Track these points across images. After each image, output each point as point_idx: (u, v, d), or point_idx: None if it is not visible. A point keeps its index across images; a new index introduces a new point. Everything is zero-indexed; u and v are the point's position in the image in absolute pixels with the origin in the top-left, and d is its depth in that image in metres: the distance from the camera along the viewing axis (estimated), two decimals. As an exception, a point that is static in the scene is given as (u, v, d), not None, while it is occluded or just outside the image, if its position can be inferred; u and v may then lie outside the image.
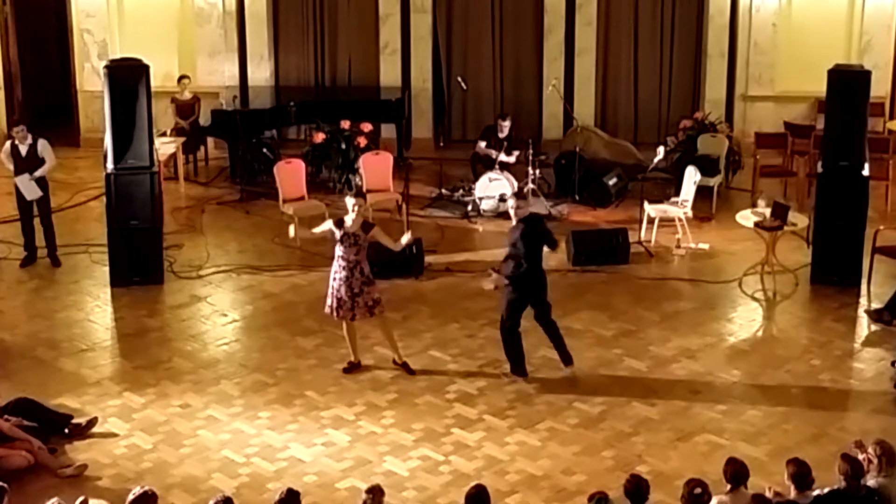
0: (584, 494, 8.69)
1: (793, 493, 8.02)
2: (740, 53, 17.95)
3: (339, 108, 17.21)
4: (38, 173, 13.57)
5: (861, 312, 12.62)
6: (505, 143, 15.89)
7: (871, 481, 8.10)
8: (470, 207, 15.62)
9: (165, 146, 16.22)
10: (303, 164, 15.44)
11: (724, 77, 18.09)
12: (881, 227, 13.59)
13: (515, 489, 9.35)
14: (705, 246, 14.47)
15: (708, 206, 15.51)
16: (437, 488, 9.38)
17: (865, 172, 13.11)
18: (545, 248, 11.12)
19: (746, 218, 13.45)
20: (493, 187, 15.39)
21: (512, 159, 15.85)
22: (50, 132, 14.91)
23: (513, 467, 9.67)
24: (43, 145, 13.66)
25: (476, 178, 15.74)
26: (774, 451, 9.78)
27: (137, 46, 16.16)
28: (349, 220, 10.90)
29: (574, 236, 14.04)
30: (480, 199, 15.51)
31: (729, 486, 8.04)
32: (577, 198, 15.99)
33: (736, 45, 17.96)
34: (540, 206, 15.38)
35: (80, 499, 8.14)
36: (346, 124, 16.35)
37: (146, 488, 7.91)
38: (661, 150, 15.27)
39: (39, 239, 13.89)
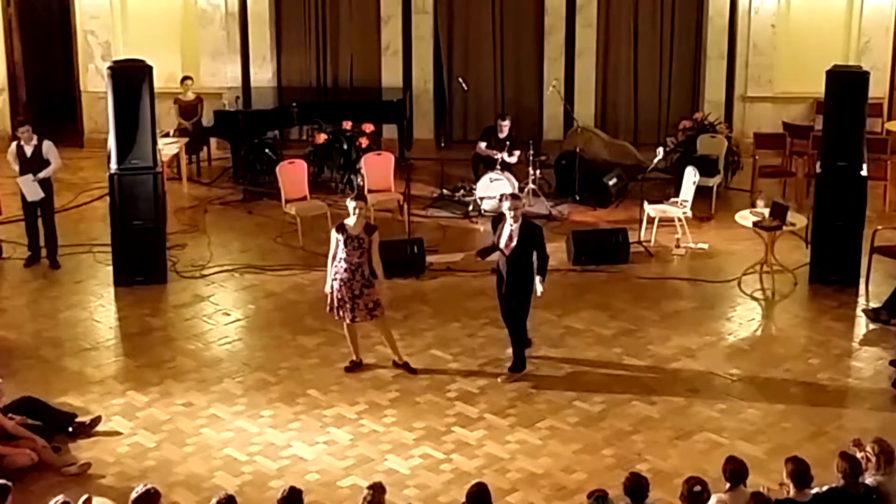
0: (584, 492, 8.71)
1: (792, 492, 8.06)
2: (739, 55, 17.99)
3: (340, 108, 17.27)
4: (41, 175, 13.62)
5: (859, 312, 12.66)
6: (506, 144, 15.95)
7: (869, 479, 8.13)
8: (471, 207, 15.67)
9: (168, 147, 16.28)
10: (305, 165, 15.49)
11: (723, 78, 18.13)
12: (879, 227, 13.64)
13: (516, 487, 9.40)
14: (705, 246, 14.52)
15: (707, 206, 15.55)
16: (438, 486, 9.43)
17: (864, 173, 13.15)
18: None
19: (745, 218, 13.49)
20: (494, 187, 15.43)
21: (513, 159, 15.90)
22: (53, 133, 14.96)
23: (513, 465, 9.72)
24: (48, 147, 13.71)
25: (477, 179, 15.79)
26: (773, 449, 9.82)
27: (141, 47, 16.25)
28: (350, 222, 10.94)
29: (574, 236, 14.09)
30: (481, 199, 15.56)
31: (728, 485, 8.08)
32: (577, 198, 16.04)
33: (735, 47, 18.00)
34: (540, 207, 15.46)
35: (84, 497, 8.17)
36: (347, 125, 16.41)
37: (149, 486, 7.93)
38: (660, 150, 15.31)
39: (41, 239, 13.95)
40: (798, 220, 13.45)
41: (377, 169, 15.56)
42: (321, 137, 16.39)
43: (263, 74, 18.59)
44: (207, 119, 17.61)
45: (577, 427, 10.33)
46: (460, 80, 17.69)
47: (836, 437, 10.00)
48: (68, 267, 13.91)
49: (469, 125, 18.84)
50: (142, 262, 13.31)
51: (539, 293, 10.96)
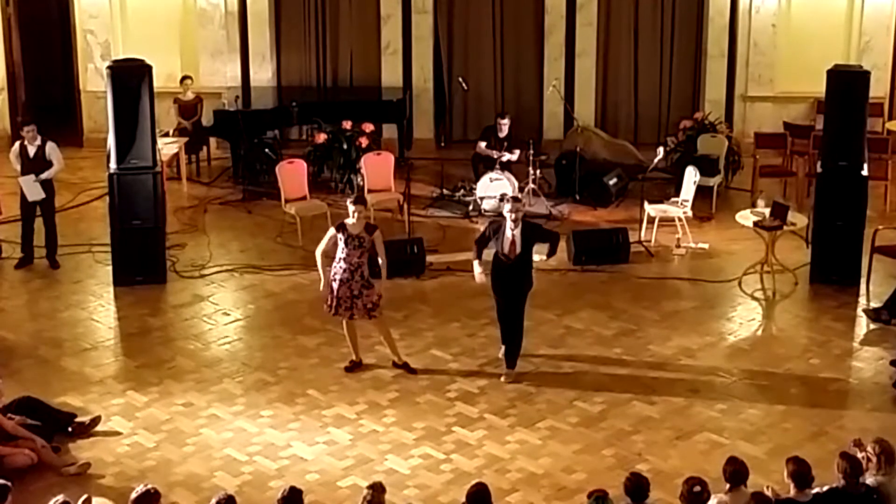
0: (584, 493, 8.70)
1: (792, 492, 8.05)
2: (740, 54, 18.00)
3: (340, 108, 17.28)
4: (43, 176, 13.61)
5: (860, 311, 12.65)
6: (505, 143, 15.95)
7: (869, 479, 8.13)
8: (471, 207, 15.67)
9: (168, 146, 16.27)
10: (305, 164, 15.48)
11: (723, 77, 18.14)
12: (880, 227, 13.63)
13: (516, 487, 9.40)
14: (705, 245, 14.51)
15: (708, 206, 15.55)
16: (438, 486, 9.42)
17: (864, 172, 13.15)
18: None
19: (746, 218, 13.49)
20: (494, 187, 15.43)
21: (514, 157, 15.90)
22: (53, 132, 14.93)
23: (513, 465, 9.71)
24: (51, 148, 13.70)
25: (477, 178, 15.79)
26: (774, 449, 9.82)
27: (140, 47, 16.25)
28: (350, 222, 10.93)
29: (574, 236, 14.08)
30: (481, 198, 15.55)
31: (728, 486, 8.07)
32: (577, 198, 16.04)
33: (736, 46, 18.01)
34: (540, 206, 15.45)
35: (84, 497, 8.16)
36: (347, 124, 16.40)
37: (149, 486, 7.93)
38: (661, 150, 15.32)
39: (40, 240, 13.92)
40: (799, 219, 13.45)
41: (377, 169, 15.55)
42: (321, 137, 16.39)
43: (263, 74, 18.58)
44: (207, 119, 17.61)
45: (577, 427, 10.32)
46: (460, 79, 17.70)
47: (836, 437, 9.99)
48: (68, 267, 13.91)
49: (469, 125, 18.84)
50: (141, 262, 13.30)
51: (536, 259, 11.06)
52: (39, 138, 13.66)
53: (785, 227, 13.18)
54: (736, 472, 8.08)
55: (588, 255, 13.92)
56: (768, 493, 8.10)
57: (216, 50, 18.45)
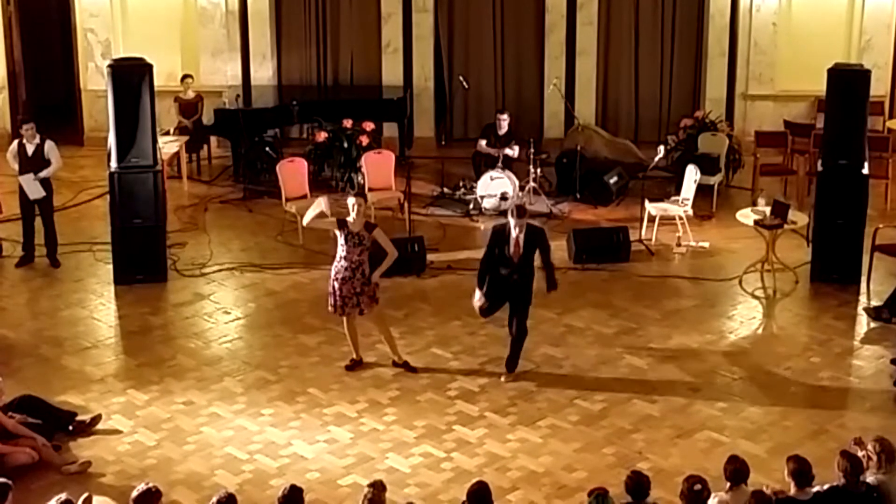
0: (584, 491, 8.70)
1: (793, 490, 8.05)
2: (741, 53, 18.00)
3: (341, 106, 17.29)
4: (42, 174, 13.60)
5: (861, 310, 12.66)
6: (504, 140, 15.95)
7: (870, 478, 8.13)
8: (472, 206, 15.67)
9: (169, 145, 16.27)
10: (305, 163, 15.49)
11: (724, 76, 18.14)
12: (881, 226, 13.64)
13: (517, 486, 9.40)
14: (706, 244, 14.51)
15: (708, 205, 15.55)
16: (438, 485, 9.43)
17: (865, 171, 13.15)
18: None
19: (746, 216, 13.49)
20: (494, 186, 15.44)
21: (514, 152, 15.90)
22: (53, 131, 14.93)
23: (514, 464, 9.71)
24: (50, 147, 13.69)
25: (477, 177, 15.79)
26: (774, 448, 9.82)
27: (141, 46, 16.26)
28: (350, 219, 10.93)
29: (575, 234, 14.09)
30: (482, 197, 15.56)
31: (729, 485, 8.08)
32: (578, 196, 16.05)
33: (736, 45, 18.01)
34: (541, 205, 15.45)
35: (84, 495, 8.16)
36: (348, 123, 16.40)
37: (150, 485, 7.92)
38: (661, 148, 15.33)
39: (41, 238, 13.92)
40: (799, 218, 13.45)
41: (378, 167, 15.55)
42: (321, 136, 16.39)
43: (264, 73, 18.59)
44: (207, 117, 17.61)
45: (577, 425, 10.32)
46: (461, 78, 17.71)
47: (837, 435, 9.99)
48: (68, 265, 13.91)
49: (470, 123, 18.85)
50: (142, 261, 13.31)
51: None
52: (38, 137, 13.65)
53: (785, 226, 13.19)
54: (737, 470, 8.08)
55: (589, 254, 13.92)
56: (769, 491, 8.11)
57: (217, 48, 18.46)
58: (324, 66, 18.93)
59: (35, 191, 13.61)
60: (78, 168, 17.27)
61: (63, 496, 7.88)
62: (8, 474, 8.73)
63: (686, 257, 14.26)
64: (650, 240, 14.51)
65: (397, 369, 11.29)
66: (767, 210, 13.31)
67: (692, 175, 14.79)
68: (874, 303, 12.69)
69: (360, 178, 15.99)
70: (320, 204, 11.01)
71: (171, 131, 17.24)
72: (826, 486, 8.05)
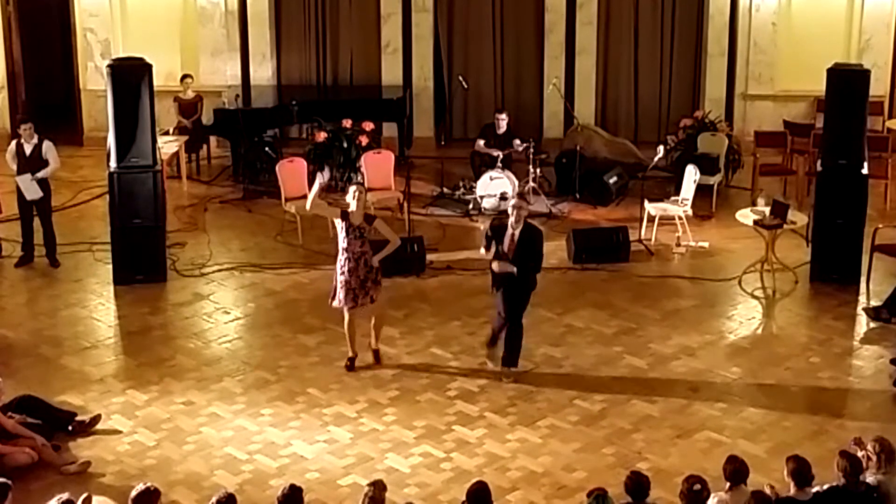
0: (584, 491, 8.70)
1: (792, 490, 8.05)
2: (740, 52, 17.99)
3: (340, 106, 17.29)
4: (39, 175, 13.59)
5: (860, 310, 12.66)
6: (503, 140, 15.96)
7: (870, 478, 8.13)
8: (471, 206, 15.67)
9: (168, 145, 16.27)
10: (305, 163, 15.48)
11: (723, 76, 18.13)
12: (880, 226, 13.64)
13: (516, 486, 9.40)
14: (705, 244, 14.51)
15: (708, 205, 15.55)
16: (438, 485, 9.43)
17: (864, 171, 13.15)
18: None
19: (746, 216, 13.49)
20: (494, 186, 15.44)
21: (519, 147, 15.89)
22: (53, 131, 14.95)
23: (514, 464, 9.71)
24: (48, 147, 13.69)
25: (477, 177, 15.79)
26: (774, 448, 9.82)
27: (140, 45, 16.25)
28: (352, 209, 10.91)
29: (575, 234, 14.09)
30: (481, 197, 15.56)
31: (728, 485, 8.08)
32: (577, 196, 16.05)
33: (736, 45, 18.01)
34: (541, 205, 15.45)
35: (84, 495, 8.16)
36: (347, 123, 16.40)
37: (149, 485, 7.92)
38: (661, 148, 15.33)
39: (40, 238, 13.91)
40: (799, 218, 13.45)
41: (377, 167, 15.55)
42: (321, 136, 16.38)
43: (263, 73, 18.58)
44: (207, 117, 17.61)
45: (577, 426, 10.32)
46: (460, 78, 17.70)
47: (836, 435, 9.99)
48: (68, 265, 13.91)
49: (469, 123, 18.84)
50: (141, 261, 13.31)
51: (496, 269, 10.82)
52: (36, 137, 13.65)
53: (785, 226, 13.19)
54: (736, 471, 8.08)
55: (588, 254, 13.92)
56: (768, 491, 8.11)
57: (216, 48, 18.45)
58: (323, 65, 18.92)
59: (32, 191, 13.60)
60: (77, 168, 17.26)
61: (65, 496, 7.88)
62: (7, 474, 8.72)
63: (686, 257, 14.26)
64: (650, 240, 14.51)
65: (397, 369, 11.30)
66: (767, 210, 13.32)
67: (692, 175, 14.79)
68: (874, 303, 12.69)
69: (359, 178, 15.98)
70: (319, 178, 11.07)
71: (171, 131, 17.23)
72: (826, 487, 8.05)
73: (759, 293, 13.18)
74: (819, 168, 13.45)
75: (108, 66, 13.33)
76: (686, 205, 14.64)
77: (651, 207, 14.63)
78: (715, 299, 13.07)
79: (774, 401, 10.75)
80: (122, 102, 13.00)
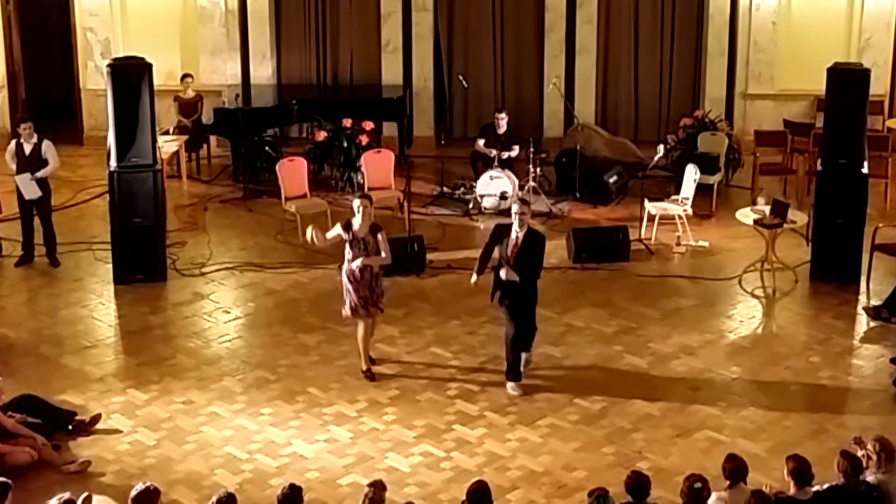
0: (584, 490, 8.72)
1: (792, 490, 8.05)
2: (740, 52, 17.99)
3: (340, 106, 17.29)
4: (39, 174, 13.59)
5: (860, 309, 12.66)
6: (503, 140, 15.96)
7: (870, 477, 8.13)
8: (471, 205, 15.67)
9: (168, 144, 16.27)
10: (305, 162, 15.49)
11: (723, 75, 18.13)
12: (880, 225, 13.64)
13: (516, 485, 9.40)
14: (705, 243, 14.51)
15: (708, 204, 15.55)
16: (438, 484, 9.43)
17: (864, 170, 13.15)
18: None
19: (746, 215, 13.50)
20: (494, 185, 15.44)
21: (514, 153, 15.90)
22: (53, 130, 14.95)
23: (514, 463, 9.71)
24: (47, 146, 13.69)
25: (477, 176, 15.79)
26: (774, 447, 9.82)
27: (140, 45, 16.24)
28: (356, 222, 10.88)
29: (575, 234, 14.09)
30: (481, 196, 15.56)
31: (728, 483, 8.08)
32: (577, 195, 16.05)
33: (736, 44, 18.00)
34: (541, 204, 15.45)
35: (84, 495, 8.15)
36: (347, 122, 16.41)
37: (149, 484, 7.92)
38: (661, 148, 15.33)
39: (40, 238, 13.91)
40: (799, 217, 13.45)
41: (377, 167, 15.55)
42: (321, 135, 16.40)
43: (263, 72, 18.58)
44: (207, 117, 17.61)
45: (577, 425, 10.32)
46: (460, 77, 17.70)
47: (836, 435, 9.99)
48: (68, 265, 13.91)
49: (469, 123, 18.84)
50: (141, 260, 13.31)
51: (503, 276, 10.75)
52: (36, 136, 13.65)
53: (785, 225, 13.19)
54: (735, 469, 8.08)
55: (588, 253, 13.92)
56: (768, 491, 8.11)
57: (216, 48, 18.45)
58: (323, 65, 18.92)
59: (31, 191, 13.60)
60: (77, 167, 17.27)
61: (66, 495, 7.87)
62: (8, 474, 8.72)
63: (686, 256, 14.25)
64: (650, 239, 14.51)
65: (397, 369, 11.30)
66: (767, 209, 13.32)
67: (692, 174, 14.80)
68: (874, 302, 12.69)
69: (359, 177, 15.99)
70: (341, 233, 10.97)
71: (171, 130, 17.23)
72: (826, 486, 8.05)
73: (759, 292, 13.18)
74: (819, 167, 13.45)
75: (108, 65, 13.33)
76: (686, 204, 14.64)
77: (651, 207, 14.63)
78: (715, 298, 13.07)
79: (774, 400, 10.75)
80: (122, 102, 13.00)
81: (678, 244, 14.42)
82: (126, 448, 9.96)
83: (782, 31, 17.92)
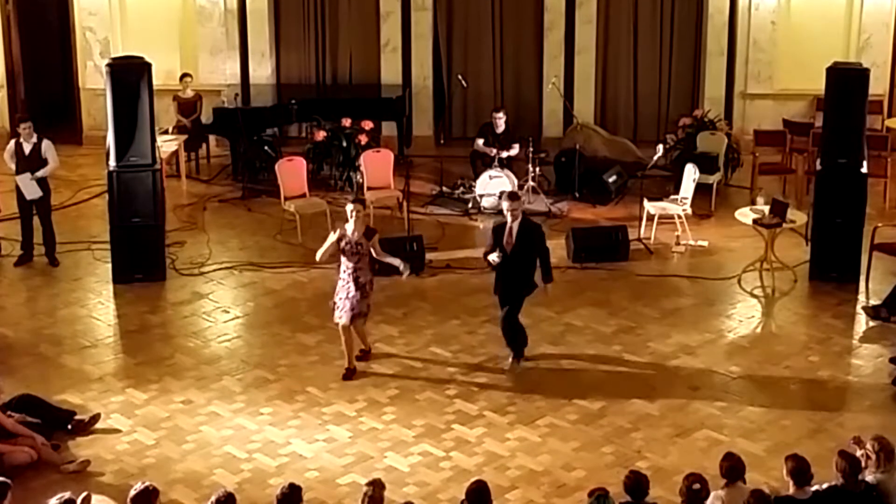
0: (583, 490, 8.75)
1: (791, 489, 8.05)
2: (739, 51, 17.98)
3: (340, 105, 17.28)
4: (39, 174, 13.59)
5: (859, 309, 12.66)
6: (502, 139, 15.96)
7: (869, 477, 8.13)
8: (470, 205, 15.67)
9: (167, 144, 16.27)
10: (304, 162, 15.48)
11: (723, 75, 18.12)
12: (879, 224, 13.64)
13: (516, 485, 9.40)
14: (704, 243, 14.51)
15: (707, 204, 15.54)
16: (437, 484, 9.43)
17: (864, 170, 13.15)
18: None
19: (745, 215, 13.50)
20: (493, 185, 15.43)
21: (513, 152, 15.91)
22: (52, 130, 14.96)
23: (513, 463, 9.71)
24: (47, 146, 13.69)
25: (476, 176, 15.79)
26: (773, 447, 9.82)
27: (139, 44, 16.25)
28: (349, 227, 10.90)
29: (574, 233, 14.09)
30: (481, 196, 15.55)
31: (725, 482, 8.08)
32: (576, 195, 16.04)
33: (735, 43, 17.99)
34: (540, 204, 15.45)
35: (83, 494, 8.15)
36: (347, 122, 16.41)
37: (148, 484, 7.91)
38: (660, 147, 15.34)
39: (40, 237, 13.91)
40: (798, 217, 13.46)
41: (376, 166, 15.55)
42: (320, 135, 16.39)
43: (262, 71, 18.58)
44: (206, 116, 17.60)
45: (576, 424, 10.32)
46: (460, 77, 17.70)
47: (835, 434, 10.00)
48: (67, 264, 13.90)
49: (468, 122, 18.83)
50: (141, 260, 13.31)
51: (547, 291, 11.06)
52: (35, 136, 13.65)
53: (784, 225, 13.19)
54: (732, 468, 8.08)
55: (587, 253, 13.92)
56: (767, 490, 8.11)
57: (215, 47, 18.45)
58: (322, 64, 18.91)
59: (32, 191, 13.60)
60: (77, 167, 17.26)
61: (65, 495, 7.87)
62: (7, 473, 8.74)
63: (685, 256, 14.25)
64: (649, 239, 14.51)
65: (396, 368, 11.31)
66: (766, 209, 13.32)
67: (691, 174, 14.79)
68: (873, 301, 12.70)
69: (358, 177, 15.98)
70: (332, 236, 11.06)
71: (170, 130, 17.23)
72: (825, 485, 8.05)
73: (758, 292, 13.18)
74: (818, 167, 13.45)
75: (108, 64, 13.33)
76: (685, 204, 14.64)
77: (650, 206, 14.63)
78: (714, 298, 13.07)
79: (773, 399, 10.76)
80: (122, 101, 13.00)
81: (677, 244, 14.42)
82: (125, 448, 9.96)
83: (782, 31, 17.92)
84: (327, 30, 18.80)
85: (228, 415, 10.48)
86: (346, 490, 9.30)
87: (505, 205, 10.93)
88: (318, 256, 11.21)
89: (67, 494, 7.89)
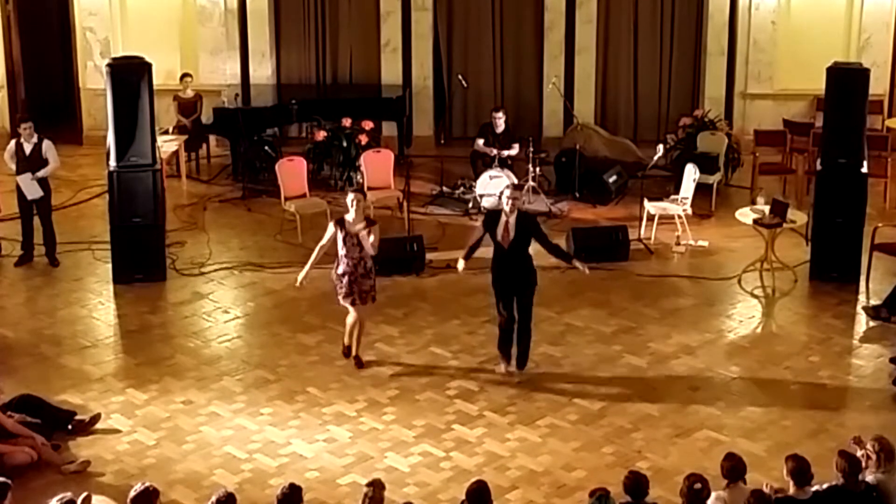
0: (584, 490, 8.76)
1: (792, 489, 8.05)
2: (740, 51, 17.98)
3: (340, 105, 17.28)
4: (40, 174, 13.59)
5: (860, 309, 12.66)
6: (501, 139, 15.95)
7: (869, 477, 8.13)
8: (471, 205, 15.67)
9: (168, 144, 16.27)
10: (304, 162, 15.49)
11: (723, 75, 18.13)
12: (880, 225, 13.64)
13: (516, 485, 9.40)
14: (705, 243, 14.51)
15: (707, 204, 15.54)
16: (438, 484, 9.43)
17: (864, 170, 13.16)
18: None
19: (746, 215, 13.50)
20: (493, 184, 15.42)
21: (514, 152, 15.91)
22: (52, 130, 14.94)
23: (513, 463, 9.71)
24: (47, 146, 13.69)
25: (476, 176, 15.79)
26: (773, 447, 9.82)
27: (140, 44, 16.25)
28: (350, 217, 10.93)
29: (574, 233, 14.08)
30: (481, 196, 15.55)
31: (726, 482, 8.08)
32: (577, 195, 16.04)
33: (735, 43, 17.99)
34: (540, 204, 15.45)
35: (84, 495, 8.15)
36: (347, 122, 16.41)
37: (148, 484, 7.91)
38: (660, 147, 15.34)
39: (40, 237, 13.91)
40: (798, 217, 13.46)
41: (377, 166, 15.55)
42: (320, 135, 16.39)
43: (263, 71, 18.57)
44: (206, 116, 17.59)
45: (577, 425, 10.32)
46: (460, 77, 17.69)
47: (836, 434, 10.00)
48: (67, 264, 13.90)
49: (469, 122, 18.83)
50: (141, 260, 13.31)
51: (585, 269, 11.15)
52: (36, 136, 13.65)
53: (784, 225, 13.19)
54: (733, 468, 8.08)
55: (588, 253, 13.84)
56: (768, 490, 8.11)
57: (216, 47, 18.44)
58: (323, 64, 18.91)
59: (33, 191, 13.61)
60: (77, 167, 17.25)
61: (67, 495, 7.88)
62: (7, 473, 8.73)
63: (685, 256, 14.25)
64: (649, 239, 14.51)
65: (396, 368, 11.31)
66: (766, 209, 13.32)
67: (691, 174, 14.80)
68: (873, 302, 12.70)
69: (359, 176, 15.99)
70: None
71: (170, 130, 17.22)
72: (825, 486, 8.05)
73: (758, 292, 13.18)
74: (818, 167, 13.45)
75: (108, 64, 13.33)
76: (685, 204, 14.64)
77: (650, 206, 14.63)
78: (714, 298, 13.07)
79: (774, 400, 10.76)
80: (122, 101, 13.00)
81: (678, 244, 14.42)
82: (125, 448, 9.96)
83: (782, 31, 17.92)
84: (327, 30, 18.80)
85: (229, 415, 10.48)
86: (347, 490, 9.30)
87: (507, 192, 10.94)
88: (317, 247, 11.21)
89: (68, 495, 7.89)
